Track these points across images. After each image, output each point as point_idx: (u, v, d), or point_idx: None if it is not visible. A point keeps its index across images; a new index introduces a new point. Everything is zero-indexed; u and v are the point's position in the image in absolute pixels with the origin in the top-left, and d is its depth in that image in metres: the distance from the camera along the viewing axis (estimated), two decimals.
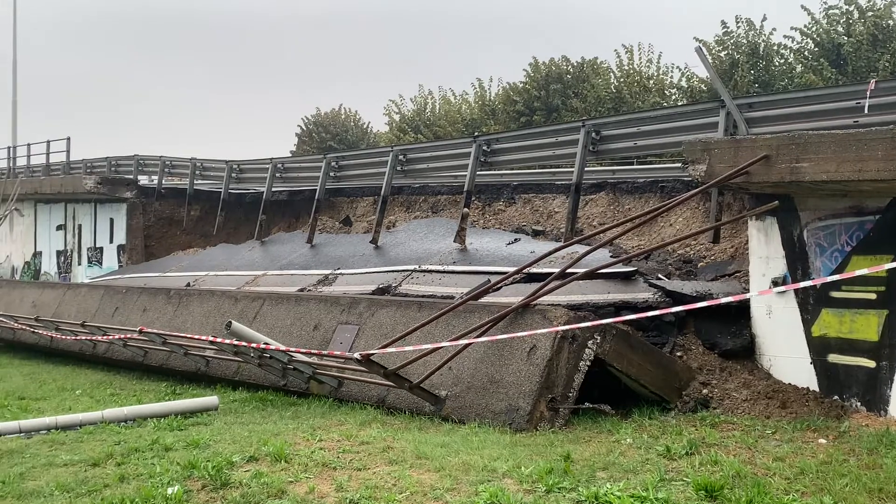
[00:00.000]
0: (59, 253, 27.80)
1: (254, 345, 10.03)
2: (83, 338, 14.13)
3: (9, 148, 37.26)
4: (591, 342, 8.48)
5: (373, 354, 8.75)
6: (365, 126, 45.94)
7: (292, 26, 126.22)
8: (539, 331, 8.30)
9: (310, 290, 14.11)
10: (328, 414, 9.28)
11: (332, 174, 18.54)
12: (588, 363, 8.46)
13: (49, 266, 28.26)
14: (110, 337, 13.20)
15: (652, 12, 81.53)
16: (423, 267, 13.42)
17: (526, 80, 32.57)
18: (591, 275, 9.72)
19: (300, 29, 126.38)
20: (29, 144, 34.43)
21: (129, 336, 12.71)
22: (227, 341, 10.32)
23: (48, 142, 32.14)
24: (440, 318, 9.31)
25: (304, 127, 45.64)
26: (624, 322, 9.00)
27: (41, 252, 28.96)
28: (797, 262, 9.38)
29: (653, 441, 7.41)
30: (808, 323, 9.20)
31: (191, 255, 21.07)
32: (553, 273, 9.57)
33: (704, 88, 25.79)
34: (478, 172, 15.22)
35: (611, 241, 10.30)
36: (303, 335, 11.15)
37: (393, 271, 13.75)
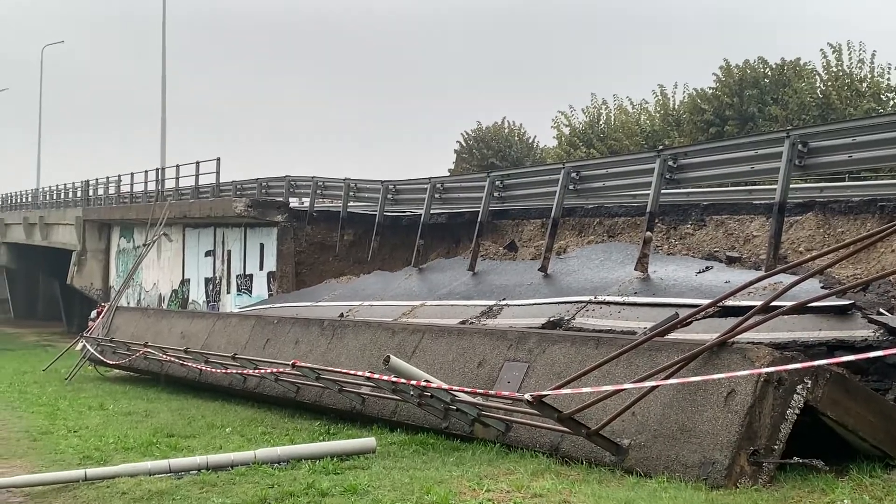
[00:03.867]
0: (207, 280, 29.22)
1: (413, 382, 10.19)
2: (233, 371, 14.75)
3: (157, 170, 39.58)
4: (800, 387, 8.14)
5: (545, 396, 8.71)
6: (530, 141, 46.19)
7: (449, 34, 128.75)
8: (738, 373, 8.05)
9: (472, 322, 14.22)
10: (495, 461, 9.29)
11: (495, 194, 18.68)
12: (797, 411, 8.12)
13: (197, 294, 29.74)
14: (262, 371, 13.72)
15: (861, 5, 78.63)
16: (600, 298, 13.29)
17: (716, 85, 31.97)
18: (800, 308, 9.36)
19: (458, 36, 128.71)
20: (178, 166, 36.42)
21: (281, 370, 13.17)
22: (385, 378, 10.52)
23: (197, 163, 33.88)
24: (621, 356, 9.17)
25: (463, 143, 46.33)
26: (839, 364, 8.61)
27: (189, 279, 30.53)
28: None
29: (875, 503, 7.04)
30: None
31: (344, 282, 21.69)
32: (753, 307, 9.27)
33: None
34: (662, 191, 14.98)
35: (822, 269, 9.90)
36: (466, 372, 11.24)
37: (565, 302, 13.69)
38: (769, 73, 31.55)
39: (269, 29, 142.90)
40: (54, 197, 51.07)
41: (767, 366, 8.04)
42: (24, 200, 58.31)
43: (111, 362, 20.50)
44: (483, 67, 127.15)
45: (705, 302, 10.23)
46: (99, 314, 24.61)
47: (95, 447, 11.56)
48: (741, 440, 7.89)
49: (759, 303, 9.38)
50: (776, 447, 8.04)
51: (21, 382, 21.23)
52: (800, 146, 12.78)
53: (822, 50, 30.44)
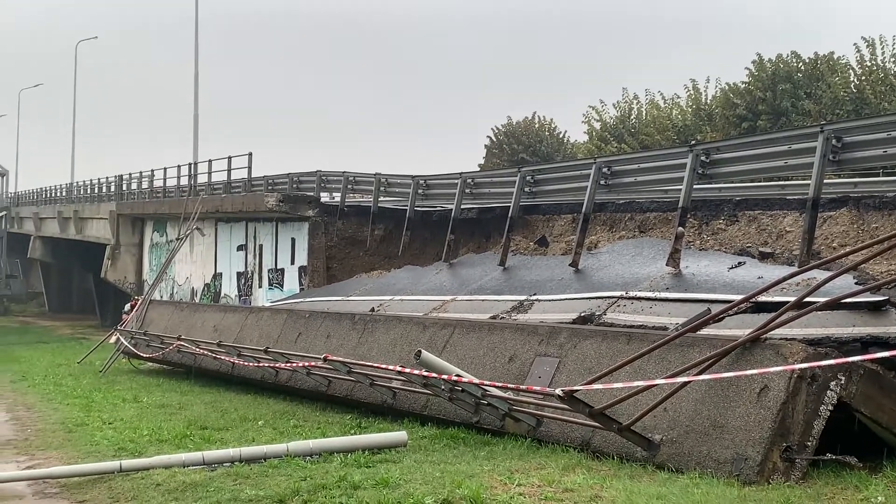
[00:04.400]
0: (239, 274, 29.38)
1: (444, 376, 10.21)
2: (265, 365, 14.85)
3: (190, 165, 39.82)
4: (833, 383, 8.09)
5: (576, 391, 8.71)
6: (561, 136, 46.04)
7: (479, 30, 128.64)
8: (771, 369, 8.01)
9: (503, 317, 14.22)
10: (526, 456, 9.31)
11: (526, 189, 18.64)
12: (830, 408, 8.07)
13: (229, 288, 29.91)
14: (294, 365, 13.81)
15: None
16: (631, 293, 13.24)
17: (749, 80, 31.72)
18: (834, 304, 9.28)
19: (487, 32, 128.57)
20: (210, 161, 36.59)
21: (312, 364, 13.25)
22: (416, 372, 10.56)
23: (229, 158, 34.03)
24: (652, 351, 9.15)
25: (493, 138, 46.25)
26: (873, 360, 8.52)
27: (221, 273, 30.71)
28: None
29: None
30: None
31: (374, 277, 21.72)
32: (787, 302, 9.20)
33: None
34: (694, 186, 14.89)
35: (856, 265, 9.80)
36: (497, 367, 11.26)
37: (596, 298, 13.65)
38: (802, 68, 31.26)
39: (301, 26, 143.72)
40: (88, 191, 51.55)
41: (801, 362, 8.00)
42: (58, 195, 58.91)
43: (145, 355, 20.71)
44: (514, 63, 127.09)
45: (738, 298, 10.17)
46: (132, 307, 24.86)
47: (130, 439, 11.70)
48: (774, 436, 7.86)
49: (792, 299, 9.32)
50: (809, 443, 8.00)
51: (56, 374, 21.51)
52: (834, 141, 12.66)
53: (855, 44, 30.13)
